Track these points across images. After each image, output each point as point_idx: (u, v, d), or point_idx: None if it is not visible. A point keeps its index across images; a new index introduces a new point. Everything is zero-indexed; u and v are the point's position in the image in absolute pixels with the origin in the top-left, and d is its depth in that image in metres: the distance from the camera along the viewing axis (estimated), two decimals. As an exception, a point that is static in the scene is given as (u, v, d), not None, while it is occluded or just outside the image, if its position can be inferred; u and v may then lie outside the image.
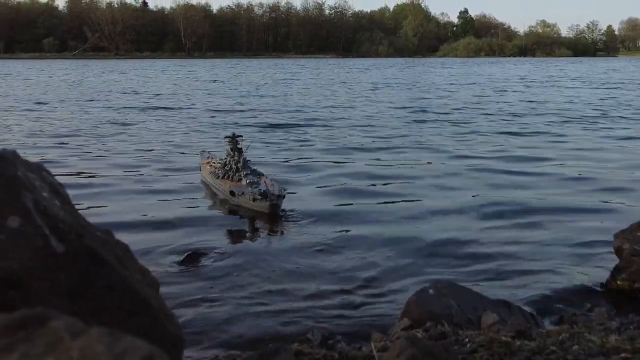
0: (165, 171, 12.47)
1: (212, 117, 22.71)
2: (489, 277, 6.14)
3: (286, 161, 13.83)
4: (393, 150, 15.47)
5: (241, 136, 10.77)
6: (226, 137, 10.91)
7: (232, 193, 9.32)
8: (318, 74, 58.38)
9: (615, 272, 5.49)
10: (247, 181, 9.38)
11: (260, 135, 17.92)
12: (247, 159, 10.21)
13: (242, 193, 9.11)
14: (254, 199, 8.83)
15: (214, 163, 10.79)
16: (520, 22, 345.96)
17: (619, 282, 5.43)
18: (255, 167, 10.23)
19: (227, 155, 10.32)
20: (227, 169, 10.00)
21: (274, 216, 8.61)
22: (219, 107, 26.33)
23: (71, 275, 1.83)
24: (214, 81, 45.36)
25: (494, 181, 11.76)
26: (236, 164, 9.93)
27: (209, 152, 12.29)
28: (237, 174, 9.75)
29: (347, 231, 8.22)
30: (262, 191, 8.87)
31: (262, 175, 9.86)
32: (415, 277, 6.22)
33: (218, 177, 10.01)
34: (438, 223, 8.67)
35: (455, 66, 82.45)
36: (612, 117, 22.68)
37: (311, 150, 15.40)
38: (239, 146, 10.29)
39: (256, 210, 8.84)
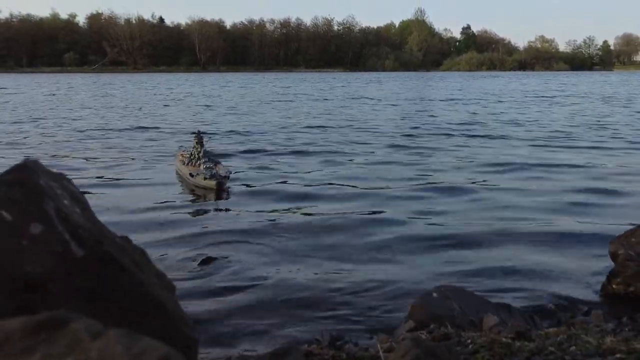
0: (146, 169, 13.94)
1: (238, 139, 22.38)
2: (490, 280, 6.17)
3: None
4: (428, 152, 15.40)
5: (204, 133, 13.31)
6: (192, 133, 13.53)
7: (190, 175, 11.60)
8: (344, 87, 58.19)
9: (611, 276, 5.61)
10: (204, 166, 11.59)
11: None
12: (207, 150, 12.65)
13: (197, 174, 11.37)
14: (205, 178, 11.03)
15: (184, 154, 13.24)
16: (520, 38, 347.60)
17: (614, 286, 5.55)
18: (215, 157, 12.53)
19: (193, 148, 12.87)
20: (192, 158, 12.49)
21: (220, 192, 10.67)
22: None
23: (90, 279, 1.90)
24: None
25: (490, 181, 11.79)
26: (198, 154, 12.33)
27: (184, 148, 14.74)
28: (197, 161, 12.18)
29: (346, 230, 8.25)
30: (212, 173, 11.15)
31: (219, 163, 12.20)
32: (416, 279, 6.24)
33: (184, 164, 12.46)
34: (435, 223, 8.65)
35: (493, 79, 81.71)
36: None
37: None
38: (202, 140, 12.81)
39: (206, 187, 10.93)
